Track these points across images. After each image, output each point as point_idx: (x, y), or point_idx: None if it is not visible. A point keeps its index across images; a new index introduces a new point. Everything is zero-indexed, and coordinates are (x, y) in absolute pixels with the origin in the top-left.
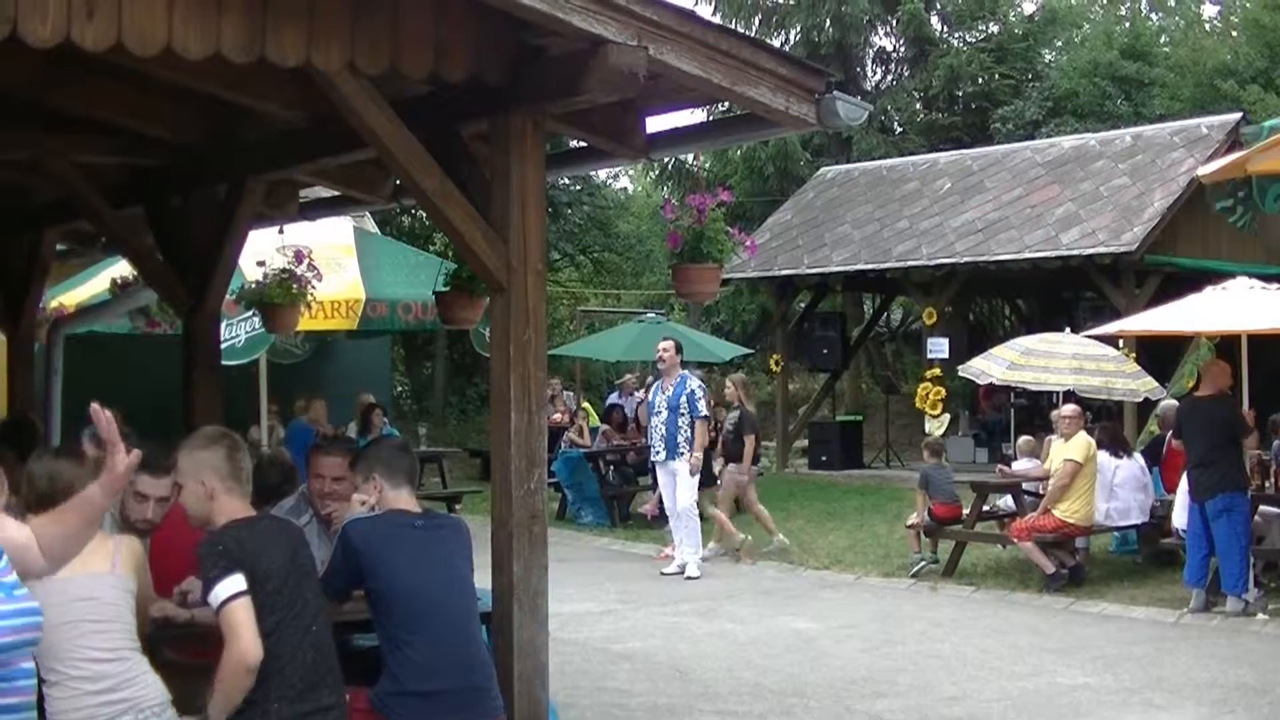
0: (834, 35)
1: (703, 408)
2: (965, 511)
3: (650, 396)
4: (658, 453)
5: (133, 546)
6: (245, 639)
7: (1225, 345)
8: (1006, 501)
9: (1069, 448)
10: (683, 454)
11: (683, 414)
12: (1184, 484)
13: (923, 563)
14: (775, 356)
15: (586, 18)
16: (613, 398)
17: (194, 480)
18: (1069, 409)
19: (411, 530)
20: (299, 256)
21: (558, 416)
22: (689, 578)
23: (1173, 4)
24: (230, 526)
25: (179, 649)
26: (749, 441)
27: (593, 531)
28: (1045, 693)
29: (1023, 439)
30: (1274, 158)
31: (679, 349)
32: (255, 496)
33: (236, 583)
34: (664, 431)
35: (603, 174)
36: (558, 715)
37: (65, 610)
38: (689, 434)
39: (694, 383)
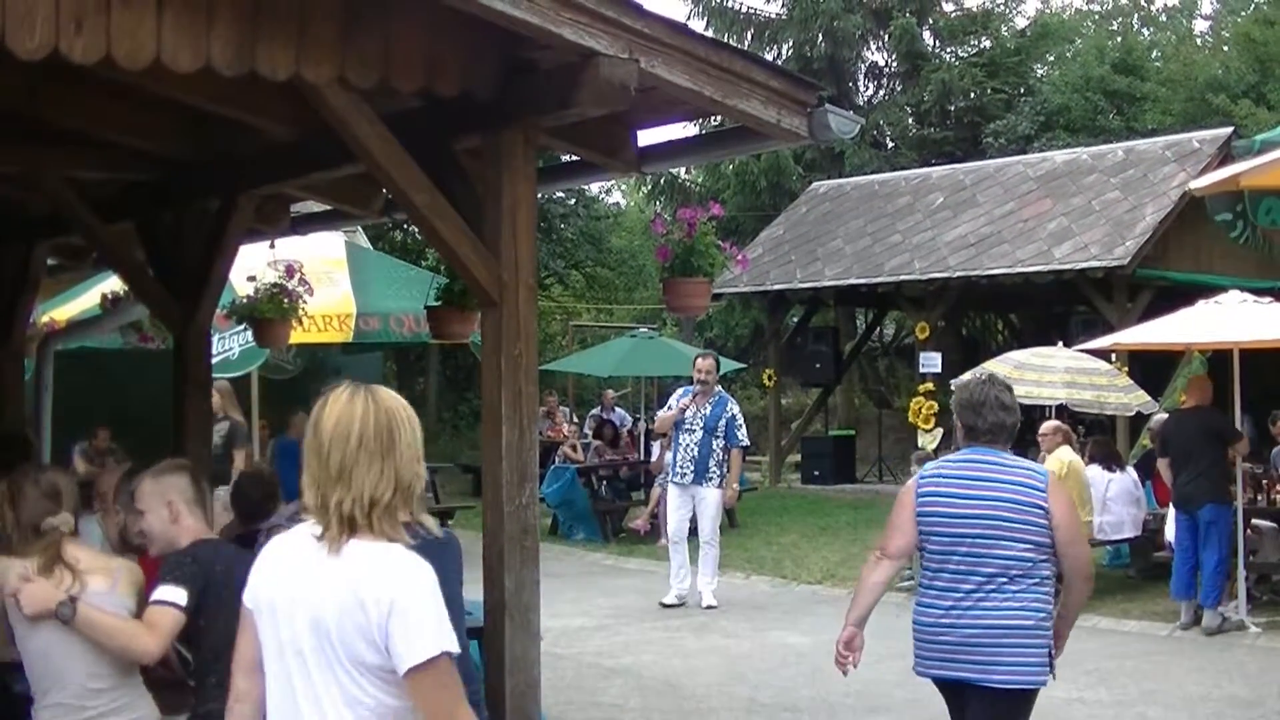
0: (826, 50)
1: (743, 435)
2: None
3: (680, 413)
4: (683, 475)
5: (133, 569)
6: (156, 636)
7: (1218, 359)
8: None
9: (1049, 463)
10: (710, 479)
11: (718, 437)
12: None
13: (913, 578)
14: (768, 371)
15: (578, 30)
16: (594, 412)
17: (160, 502)
18: (1047, 425)
19: None
20: (290, 271)
21: (551, 433)
22: (708, 607)
23: (1164, 19)
24: (202, 544)
25: (169, 665)
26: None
27: (585, 547)
28: (1039, 707)
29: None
30: (1266, 172)
31: (719, 366)
32: (238, 514)
33: (179, 595)
34: (695, 453)
35: (595, 189)
36: None
37: (66, 629)
38: (721, 458)
39: (735, 406)
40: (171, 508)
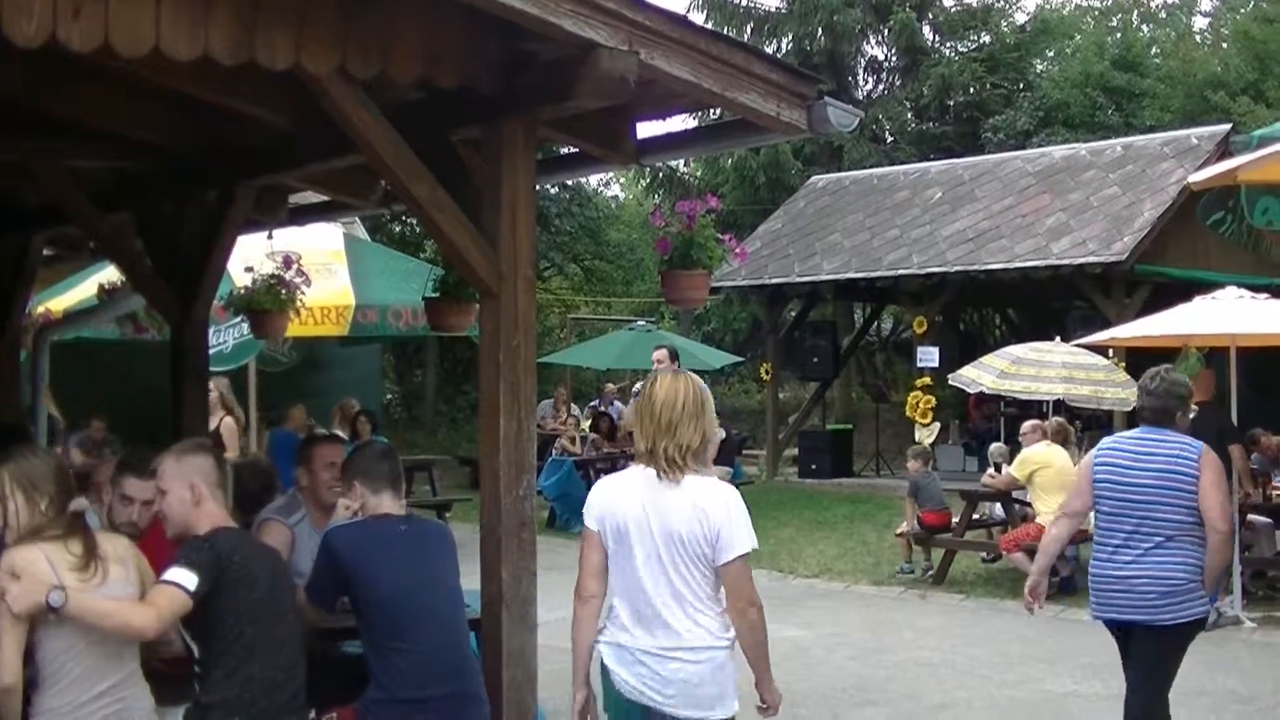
0: (826, 44)
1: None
2: (955, 519)
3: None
4: None
5: (133, 548)
6: (154, 613)
7: (1214, 358)
8: (996, 510)
9: (1014, 463)
10: None
11: None
12: None
13: (912, 571)
14: (766, 365)
15: (577, 22)
16: (593, 404)
17: (182, 484)
18: (1028, 424)
19: (395, 536)
20: (288, 262)
21: (560, 424)
22: None
23: (1164, 16)
24: (222, 532)
25: (167, 660)
26: None
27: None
28: (1034, 701)
29: (995, 446)
30: (1262, 167)
31: (675, 355)
32: (237, 504)
33: (188, 579)
34: None
35: (594, 182)
36: None
37: (79, 633)
38: None
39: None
40: (195, 490)
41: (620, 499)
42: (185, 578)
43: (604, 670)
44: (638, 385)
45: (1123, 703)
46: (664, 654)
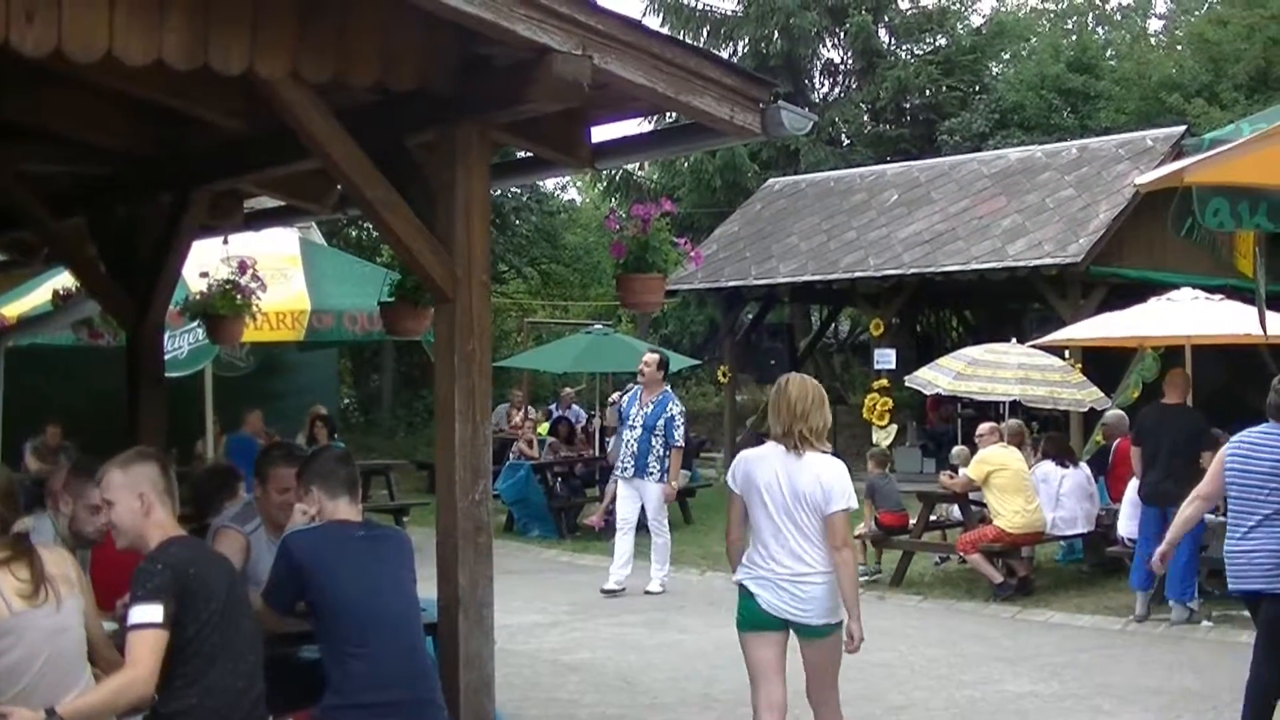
0: (782, 47)
1: (679, 436)
2: (912, 520)
3: (625, 404)
4: (624, 469)
5: (71, 560)
6: (143, 670)
7: (1170, 358)
8: (954, 511)
9: (970, 465)
10: (651, 474)
11: (657, 435)
12: (1129, 492)
13: (864, 575)
14: (723, 368)
15: (531, 26)
16: (550, 407)
17: (131, 494)
18: (984, 426)
19: (353, 541)
20: (243, 267)
21: (516, 428)
22: (647, 592)
23: (1119, 18)
24: (174, 544)
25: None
26: None
27: (540, 543)
28: (993, 701)
29: (956, 449)
30: (1210, 168)
31: (663, 364)
32: (196, 507)
33: (154, 613)
34: (635, 449)
35: (550, 185)
36: None
37: (48, 642)
38: (660, 454)
39: (676, 407)
40: (144, 499)
41: (759, 467)
42: (152, 613)
43: (745, 595)
44: (613, 396)
45: (1081, 704)
46: (798, 579)
